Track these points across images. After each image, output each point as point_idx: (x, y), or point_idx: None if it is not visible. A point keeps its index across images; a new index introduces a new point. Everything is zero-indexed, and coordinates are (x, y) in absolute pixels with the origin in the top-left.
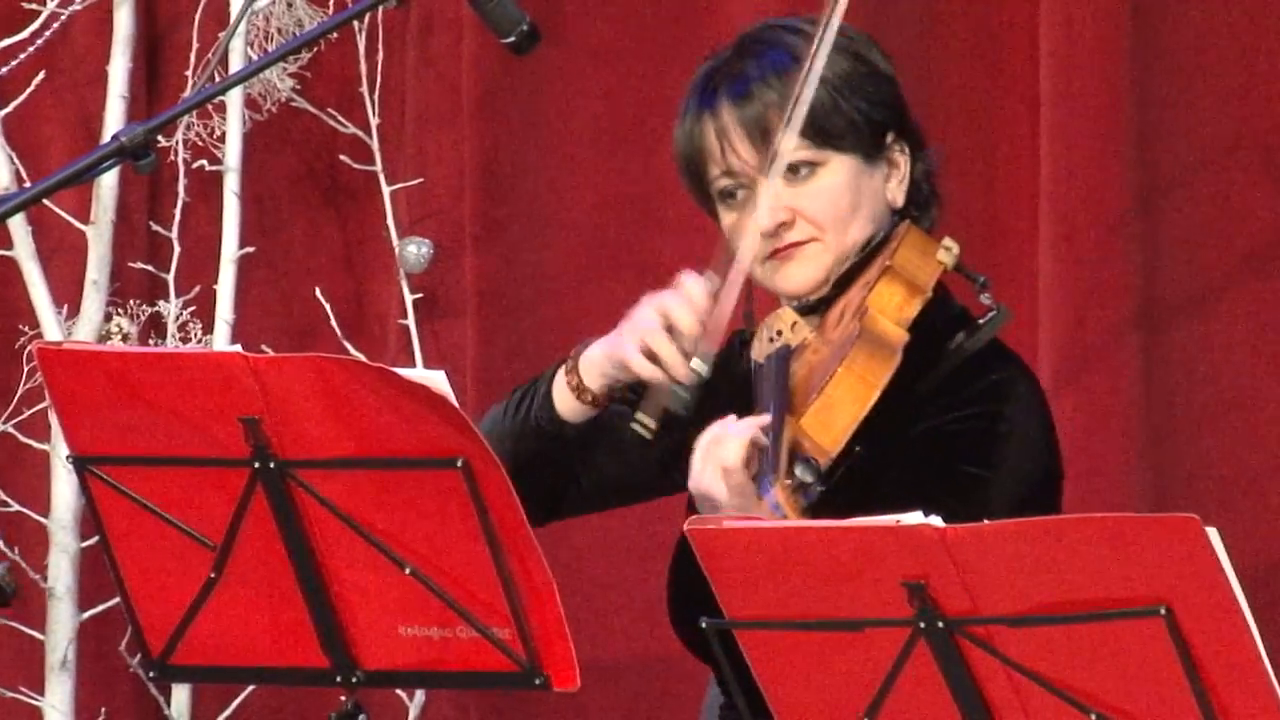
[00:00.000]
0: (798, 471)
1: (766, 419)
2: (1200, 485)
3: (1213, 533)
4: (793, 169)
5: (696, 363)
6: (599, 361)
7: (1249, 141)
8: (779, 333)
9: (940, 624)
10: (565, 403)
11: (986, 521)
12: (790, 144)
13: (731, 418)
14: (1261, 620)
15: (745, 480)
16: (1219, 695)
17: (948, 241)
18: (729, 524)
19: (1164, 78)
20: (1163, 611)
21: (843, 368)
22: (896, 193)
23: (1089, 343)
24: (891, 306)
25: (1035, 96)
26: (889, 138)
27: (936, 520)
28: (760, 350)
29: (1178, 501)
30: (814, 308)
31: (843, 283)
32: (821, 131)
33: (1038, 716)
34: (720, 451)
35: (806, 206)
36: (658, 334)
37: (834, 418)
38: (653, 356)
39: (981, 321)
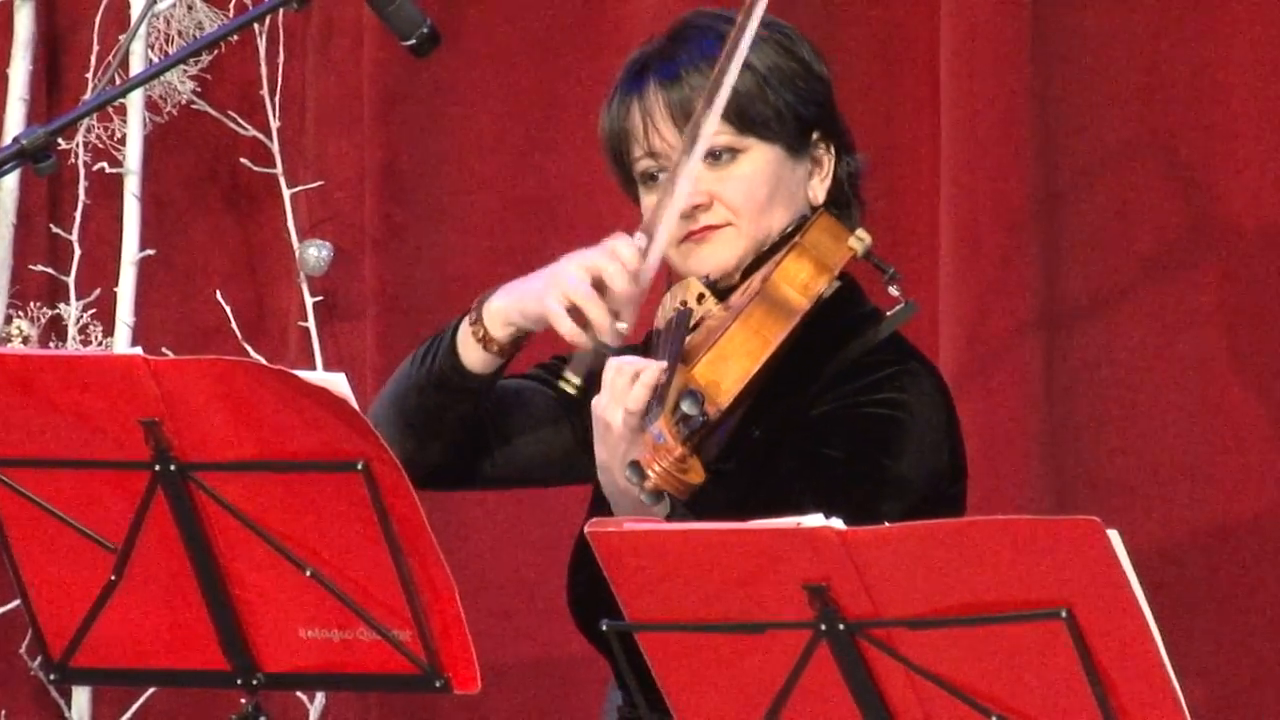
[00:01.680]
0: (683, 405)
1: (664, 364)
2: (1101, 486)
3: (1114, 535)
4: (714, 154)
5: (623, 325)
6: (506, 310)
7: (1149, 143)
8: (684, 302)
9: (841, 626)
10: (470, 353)
11: (884, 515)
12: (711, 127)
13: (640, 360)
14: (1162, 622)
15: (639, 423)
16: (1119, 697)
17: (861, 232)
18: (630, 526)
19: (1065, 79)
20: (1064, 614)
21: (738, 322)
22: (818, 190)
23: (990, 343)
24: (797, 280)
25: (936, 98)
26: (815, 135)
27: (837, 522)
28: (663, 317)
29: (1079, 503)
30: (724, 293)
31: (752, 269)
32: (745, 117)
33: (938, 718)
34: (628, 395)
35: (725, 191)
36: (589, 297)
37: (726, 369)
38: (579, 317)
39: (889, 313)
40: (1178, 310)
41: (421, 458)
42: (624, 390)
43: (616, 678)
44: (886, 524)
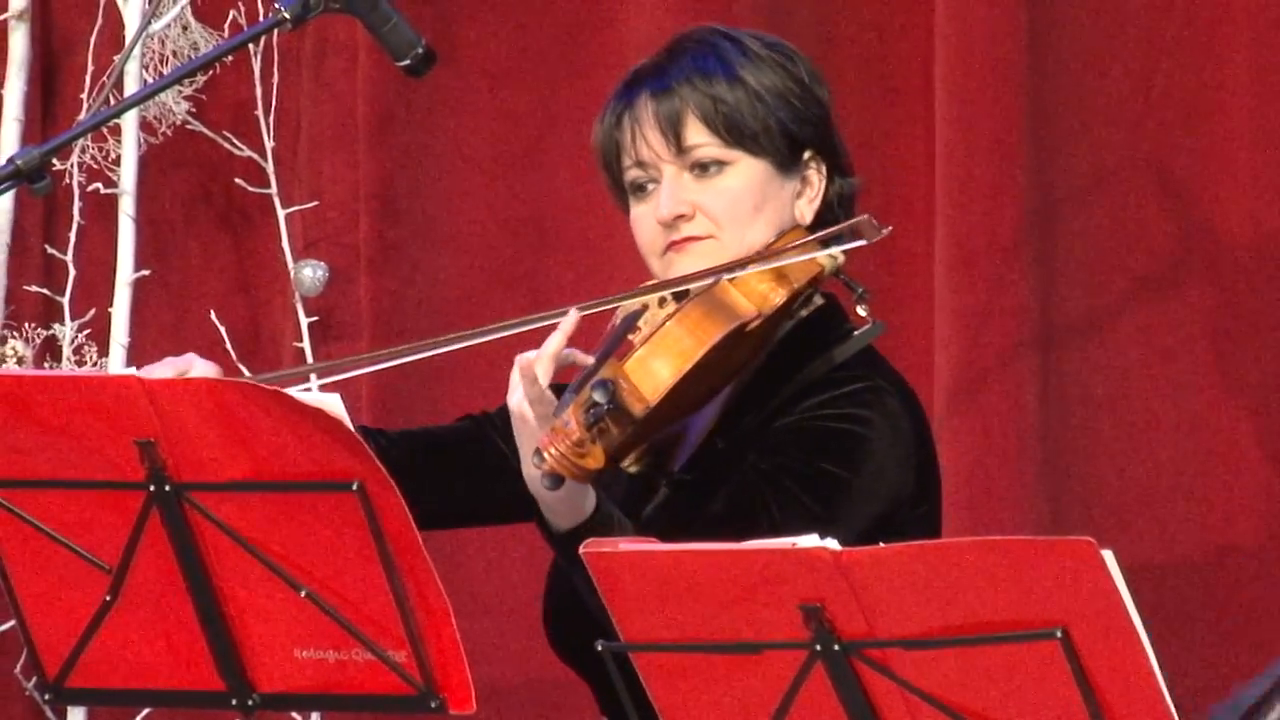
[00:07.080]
0: (593, 394)
1: (589, 358)
2: (1096, 507)
3: (1108, 555)
4: (701, 165)
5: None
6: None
7: (1144, 163)
8: (644, 306)
9: (837, 646)
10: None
11: (840, 526)
12: (701, 138)
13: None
14: (1157, 641)
15: (547, 409)
16: (1115, 717)
17: (835, 250)
18: (625, 546)
19: (1059, 99)
20: (1059, 634)
21: (674, 319)
22: (806, 210)
23: (985, 364)
24: (755, 289)
25: (930, 118)
26: (807, 154)
27: (833, 543)
28: (621, 315)
29: (1074, 523)
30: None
31: None
32: (733, 130)
33: None
34: (532, 370)
35: (708, 202)
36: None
37: (655, 366)
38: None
39: (856, 332)
40: (1172, 329)
41: None
42: (531, 375)
43: (599, 704)
44: (881, 544)
